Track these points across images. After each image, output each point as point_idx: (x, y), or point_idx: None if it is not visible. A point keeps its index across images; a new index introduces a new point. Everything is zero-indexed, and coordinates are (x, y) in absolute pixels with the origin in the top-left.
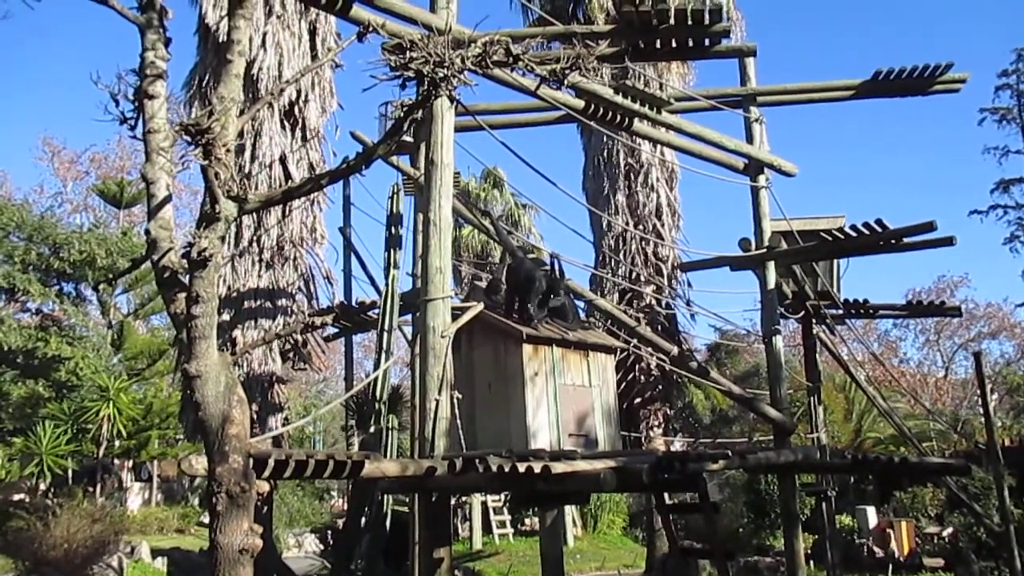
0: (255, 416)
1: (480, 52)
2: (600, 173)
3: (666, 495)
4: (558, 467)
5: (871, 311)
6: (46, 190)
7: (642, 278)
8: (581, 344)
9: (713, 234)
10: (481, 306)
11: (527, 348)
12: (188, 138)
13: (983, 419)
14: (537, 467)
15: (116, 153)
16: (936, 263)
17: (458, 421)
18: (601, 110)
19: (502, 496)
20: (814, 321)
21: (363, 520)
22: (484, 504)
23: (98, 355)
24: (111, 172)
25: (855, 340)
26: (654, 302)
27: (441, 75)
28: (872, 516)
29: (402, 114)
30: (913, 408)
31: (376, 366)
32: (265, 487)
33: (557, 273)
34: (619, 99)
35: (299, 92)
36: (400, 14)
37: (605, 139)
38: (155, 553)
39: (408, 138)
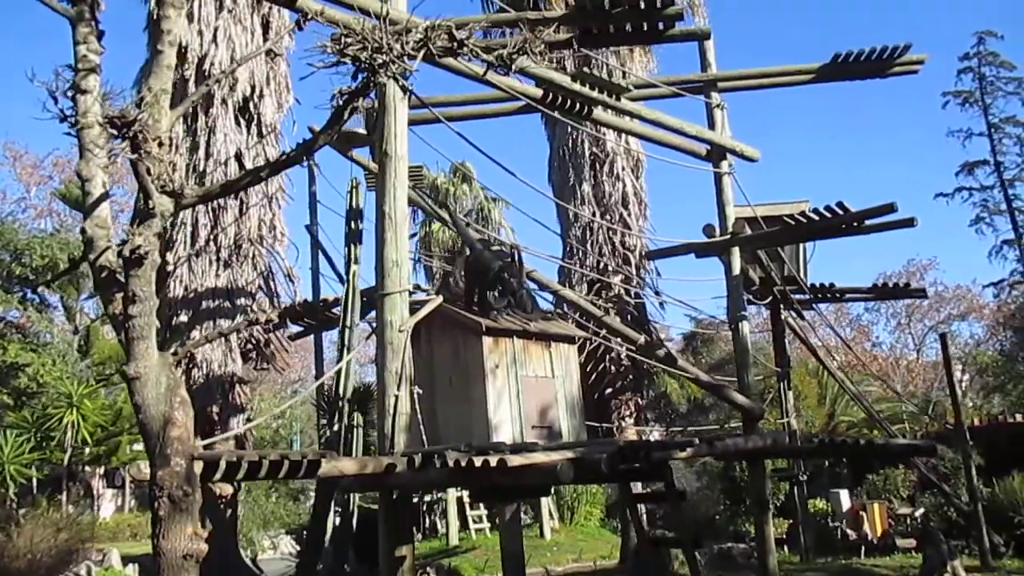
0: (216, 418)
1: (421, 38)
2: (565, 164)
3: (632, 485)
4: (515, 460)
5: (838, 295)
6: (8, 196)
7: (610, 268)
8: (543, 335)
9: (681, 222)
10: (440, 299)
11: (487, 340)
12: (114, 131)
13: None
14: (493, 460)
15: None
16: (906, 247)
17: (419, 416)
18: (560, 98)
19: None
20: (782, 307)
21: (333, 519)
22: (460, 499)
23: (64, 361)
24: (75, 176)
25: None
26: (622, 292)
27: (380, 61)
28: (845, 499)
29: (341, 103)
30: (885, 391)
31: (338, 363)
32: (228, 489)
33: (517, 264)
34: (577, 87)
35: (253, 87)
36: (345, 2)
37: (570, 129)
38: (126, 560)
39: (361, 130)
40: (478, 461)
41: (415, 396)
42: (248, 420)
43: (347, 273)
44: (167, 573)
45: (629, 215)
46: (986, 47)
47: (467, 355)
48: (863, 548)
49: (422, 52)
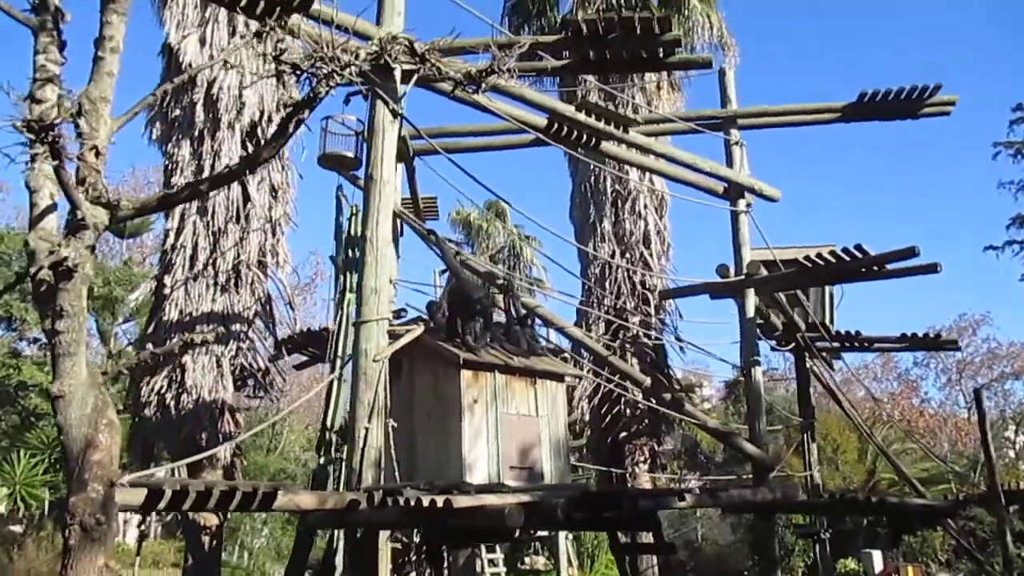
0: (203, 446)
1: (377, 50)
2: (587, 200)
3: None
4: (461, 501)
5: (866, 343)
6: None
7: (628, 308)
8: (528, 371)
9: (707, 263)
10: (420, 329)
11: (466, 374)
12: (31, 136)
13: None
14: (439, 501)
15: (129, 183)
16: (957, 302)
17: (392, 451)
18: (566, 129)
19: None
20: (807, 355)
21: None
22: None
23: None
24: None
25: (873, 379)
26: (640, 333)
27: (326, 71)
28: (878, 561)
29: (285, 115)
30: (932, 450)
31: (328, 395)
32: (213, 519)
33: (512, 296)
34: (582, 117)
35: (262, 112)
36: (340, 24)
37: (592, 166)
38: None
39: (350, 153)
40: (426, 500)
41: (389, 429)
42: (238, 450)
43: (341, 301)
44: None
45: (651, 254)
46: None
47: (445, 388)
48: None
49: (377, 63)
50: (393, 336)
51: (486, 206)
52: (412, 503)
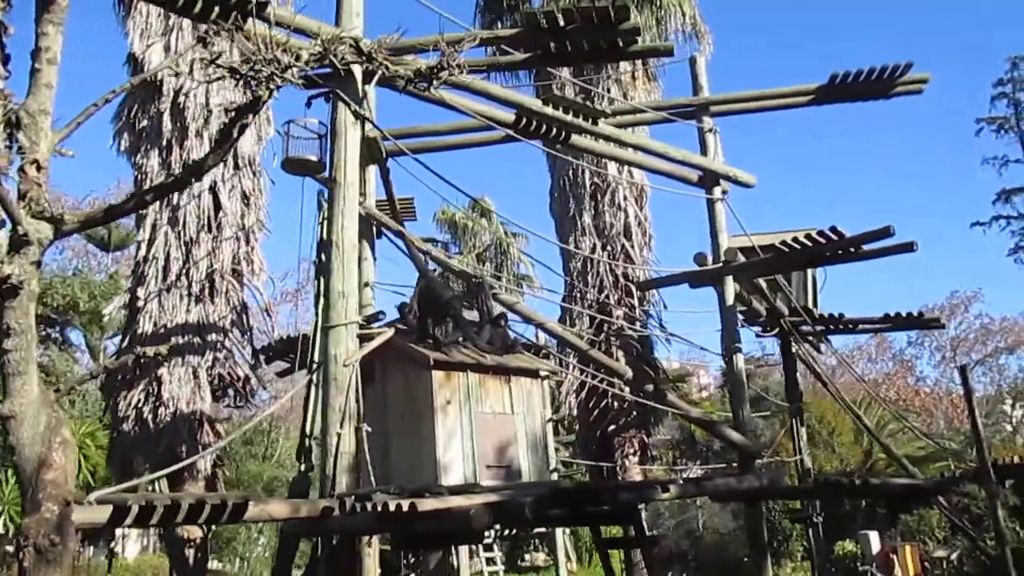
0: (183, 457)
1: (320, 51)
2: (566, 194)
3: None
4: (428, 504)
5: (849, 325)
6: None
7: (611, 301)
8: (501, 368)
9: (685, 253)
10: (391, 332)
11: (437, 375)
12: None
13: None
14: (405, 505)
15: (116, 199)
16: (949, 280)
17: (366, 456)
18: (534, 123)
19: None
20: (792, 339)
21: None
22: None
23: (83, 400)
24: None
25: (868, 360)
26: (624, 326)
27: (266, 73)
28: (875, 541)
29: (228, 120)
30: (928, 428)
31: (306, 402)
32: (197, 532)
33: (484, 295)
34: (549, 111)
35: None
36: (298, 28)
37: (571, 159)
38: None
39: (313, 156)
40: (392, 505)
41: (363, 434)
42: (219, 461)
43: (316, 307)
44: None
45: (632, 246)
46: (1020, 73)
47: (417, 390)
48: None
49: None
50: (365, 340)
51: (471, 205)
52: (380, 508)
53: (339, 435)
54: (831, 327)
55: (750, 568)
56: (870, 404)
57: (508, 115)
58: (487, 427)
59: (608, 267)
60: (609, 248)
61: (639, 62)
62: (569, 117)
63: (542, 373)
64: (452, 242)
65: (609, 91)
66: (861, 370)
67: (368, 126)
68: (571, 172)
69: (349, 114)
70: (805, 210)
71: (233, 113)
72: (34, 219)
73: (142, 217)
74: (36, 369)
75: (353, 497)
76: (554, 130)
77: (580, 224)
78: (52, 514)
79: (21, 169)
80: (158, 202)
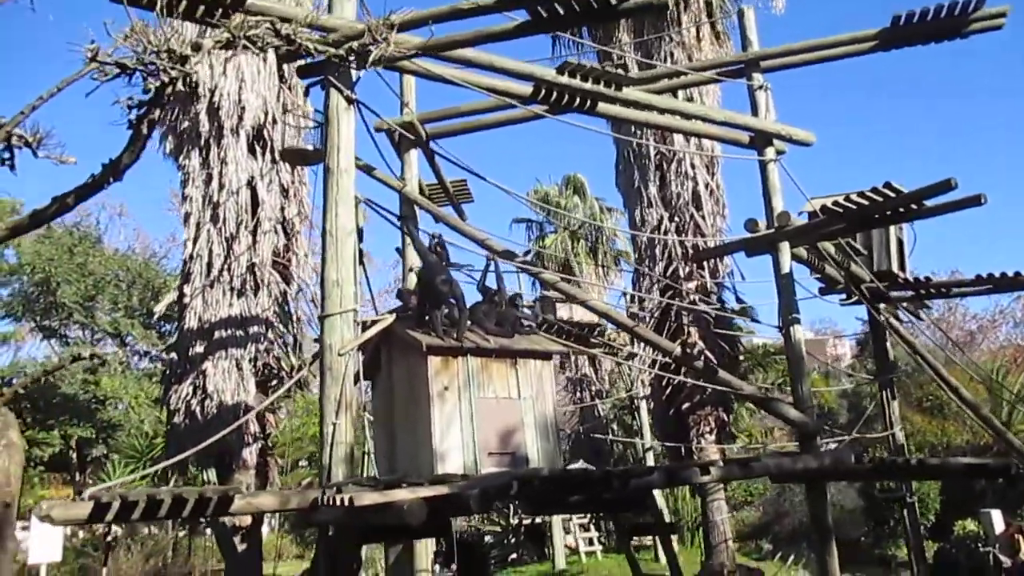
0: (232, 449)
1: (229, 36)
2: (630, 166)
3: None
4: (366, 498)
5: (942, 289)
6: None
7: (682, 273)
8: (505, 352)
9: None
10: (391, 318)
11: (434, 361)
12: None
13: None
14: (345, 499)
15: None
16: None
17: (370, 444)
18: (554, 94)
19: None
20: (880, 306)
21: None
22: (564, 521)
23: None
24: None
25: (1013, 324)
26: (697, 299)
27: (160, 66)
28: (999, 520)
29: (133, 117)
30: None
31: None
32: (247, 520)
33: (495, 277)
34: (564, 79)
35: (266, 114)
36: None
37: (634, 129)
38: None
39: (311, 146)
40: (339, 499)
41: (366, 423)
42: (267, 453)
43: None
44: None
45: (702, 215)
46: None
47: (415, 377)
48: None
49: (231, 48)
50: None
51: (564, 182)
52: (337, 503)
53: (335, 425)
54: (920, 292)
55: (867, 547)
56: (1008, 373)
57: (522, 88)
58: (490, 413)
59: (675, 239)
60: (677, 219)
61: (704, 17)
62: (589, 85)
63: (555, 356)
64: (547, 220)
65: (672, 55)
66: (1005, 335)
67: (405, 110)
68: (635, 143)
69: (341, 100)
70: (867, 174)
71: (138, 109)
72: None
73: (187, 216)
74: None
75: (335, 488)
76: (577, 100)
77: (646, 196)
78: None
79: None
80: (200, 200)
